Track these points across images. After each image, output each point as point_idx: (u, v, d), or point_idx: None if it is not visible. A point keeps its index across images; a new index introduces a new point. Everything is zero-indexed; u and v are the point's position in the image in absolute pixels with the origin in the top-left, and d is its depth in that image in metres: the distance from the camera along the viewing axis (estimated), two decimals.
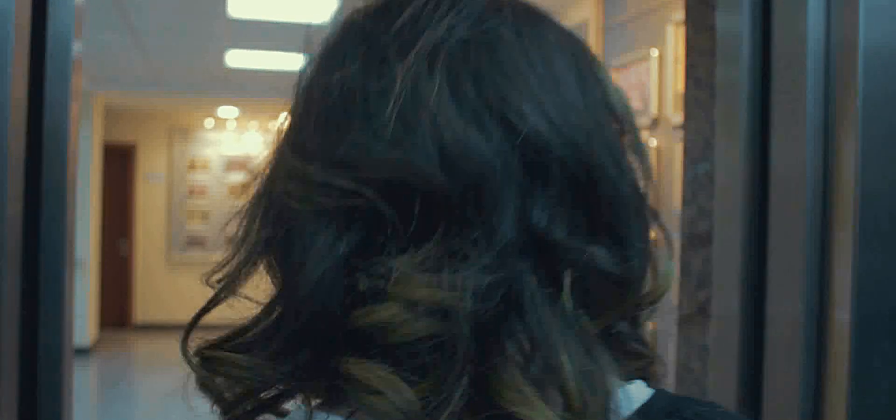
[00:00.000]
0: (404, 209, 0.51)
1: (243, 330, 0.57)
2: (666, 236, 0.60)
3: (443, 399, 0.48)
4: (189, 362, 0.57)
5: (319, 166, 0.52)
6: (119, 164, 11.12)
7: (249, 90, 9.05)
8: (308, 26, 0.63)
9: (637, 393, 0.57)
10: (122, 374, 9.12)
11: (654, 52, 3.06)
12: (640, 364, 0.58)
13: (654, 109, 3.06)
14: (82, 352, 9.28)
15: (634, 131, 0.58)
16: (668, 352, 2.89)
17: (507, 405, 0.48)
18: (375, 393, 0.48)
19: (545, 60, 0.54)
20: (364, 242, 0.51)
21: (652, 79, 3.07)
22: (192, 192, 11.42)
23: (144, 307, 11.25)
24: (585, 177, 0.53)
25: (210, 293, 0.59)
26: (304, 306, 0.52)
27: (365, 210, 0.51)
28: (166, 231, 11.39)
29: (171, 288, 11.28)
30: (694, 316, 1.53)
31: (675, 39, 2.95)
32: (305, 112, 0.57)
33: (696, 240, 1.54)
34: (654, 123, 3.07)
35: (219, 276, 0.60)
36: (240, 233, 0.59)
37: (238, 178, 11.44)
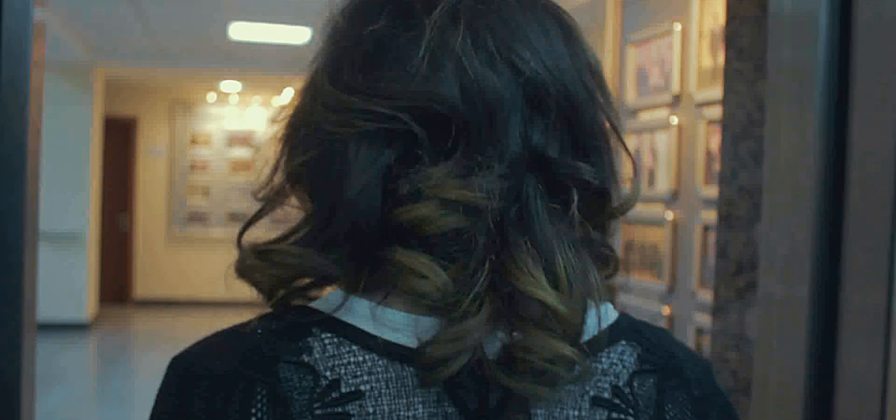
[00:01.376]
0: (433, 131, 0.62)
1: (284, 237, 0.66)
2: (635, 163, 0.77)
3: (469, 280, 0.60)
4: (242, 250, 0.67)
5: (361, 98, 0.63)
6: (120, 138, 11.00)
7: (252, 64, 8.92)
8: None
9: (609, 312, 0.69)
10: (122, 350, 9.03)
11: (677, 27, 2.94)
12: (608, 271, 0.71)
13: (676, 86, 2.94)
14: (81, 327, 9.20)
15: (604, 82, 0.71)
16: (688, 336, 2.79)
17: (519, 285, 0.59)
18: (419, 276, 0.60)
19: (538, 21, 0.67)
20: (401, 156, 0.62)
21: (674, 54, 2.95)
22: (193, 168, 11.31)
23: (145, 283, 11.16)
24: (572, 110, 0.66)
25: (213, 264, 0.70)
26: (353, 207, 0.62)
27: (401, 132, 0.62)
28: (167, 206, 11.28)
29: (171, 264, 11.18)
30: (731, 304, 1.43)
31: (699, 13, 2.83)
32: (340, 56, 0.67)
33: (735, 222, 1.44)
34: (676, 100, 2.95)
35: (263, 193, 0.69)
36: (279, 157, 0.69)
37: (240, 153, 11.34)
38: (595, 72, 0.71)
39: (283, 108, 0.71)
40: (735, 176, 1.49)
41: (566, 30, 0.70)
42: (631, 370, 0.68)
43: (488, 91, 0.63)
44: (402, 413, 0.61)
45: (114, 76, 10.08)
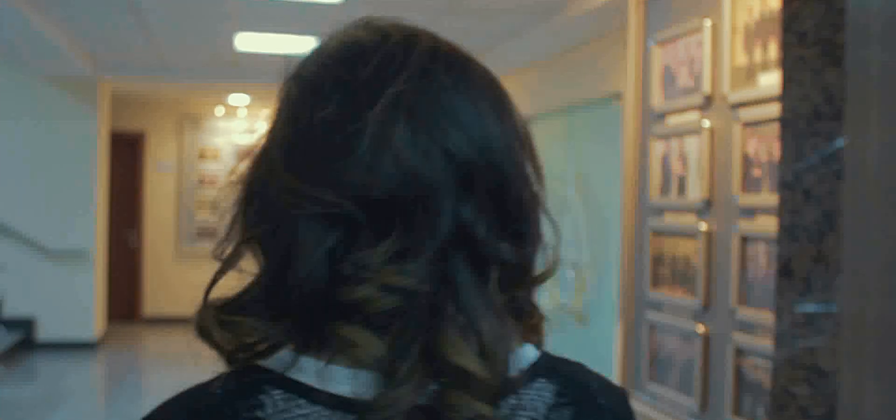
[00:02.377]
0: (373, 215, 0.69)
1: (239, 297, 0.73)
2: (556, 230, 0.82)
3: (405, 351, 0.67)
4: (204, 310, 0.74)
5: (310, 185, 0.70)
6: (127, 153, 10.84)
7: (260, 76, 8.74)
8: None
9: (528, 354, 0.76)
10: (130, 369, 8.85)
11: (707, 23, 2.73)
12: (533, 321, 0.79)
13: (707, 87, 2.73)
14: (89, 346, 9.02)
15: (533, 151, 0.79)
16: (726, 357, 2.57)
17: (446, 355, 0.67)
18: (358, 346, 0.68)
19: (472, 100, 0.74)
20: (344, 238, 0.70)
21: (704, 52, 2.74)
22: (202, 182, 11.15)
23: (154, 300, 10.99)
24: (500, 186, 0.73)
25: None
26: (301, 284, 0.69)
27: (344, 215, 0.70)
28: (176, 222, 11.12)
29: (180, 280, 11.00)
30: (799, 329, 1.23)
31: (732, 7, 2.62)
32: (295, 139, 0.74)
33: (801, 233, 1.24)
34: (708, 102, 2.74)
35: (220, 253, 0.77)
36: (233, 219, 0.76)
37: None
38: (525, 142, 0.78)
39: (240, 163, 0.77)
40: (799, 179, 1.28)
41: (499, 104, 0.76)
42: (548, 404, 0.74)
43: (423, 178, 0.69)
44: None
45: (120, 90, 9.93)
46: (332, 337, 0.69)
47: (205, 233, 11.12)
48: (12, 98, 8.77)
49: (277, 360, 0.72)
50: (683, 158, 2.88)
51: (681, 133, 2.89)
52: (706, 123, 2.73)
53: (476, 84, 0.75)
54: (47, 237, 8.81)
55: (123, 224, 10.82)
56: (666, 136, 2.99)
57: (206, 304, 0.75)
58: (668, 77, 3.00)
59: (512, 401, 0.71)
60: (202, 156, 11.16)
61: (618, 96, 5.53)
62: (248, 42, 7.00)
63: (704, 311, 2.73)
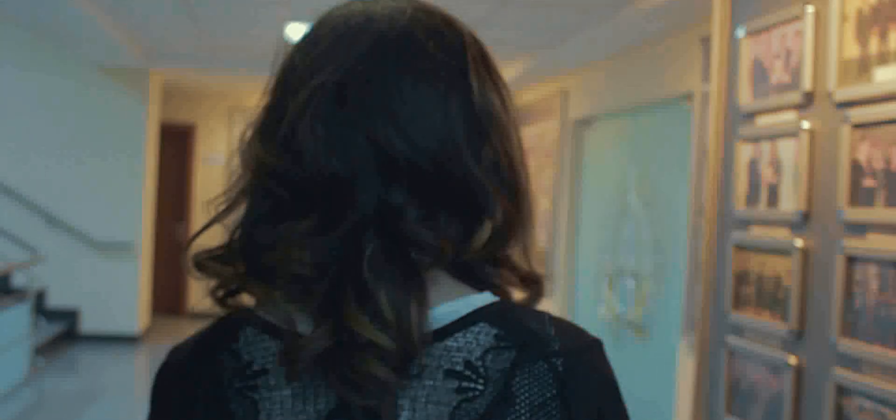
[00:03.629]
0: (295, 193, 0.79)
1: (220, 248, 0.85)
2: (518, 205, 0.84)
3: (309, 313, 0.76)
4: (187, 263, 0.86)
5: (247, 162, 0.83)
6: (177, 145, 10.71)
7: None
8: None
9: (480, 300, 0.81)
10: None
11: (810, 9, 2.38)
12: (534, 286, 0.86)
13: (807, 83, 2.38)
14: (132, 339, 8.87)
15: (490, 121, 0.82)
16: (824, 394, 2.23)
17: (347, 322, 0.74)
18: (270, 303, 0.79)
19: (412, 87, 0.79)
20: (273, 210, 0.80)
21: (806, 43, 2.39)
22: None
23: (199, 294, 10.80)
24: (435, 172, 0.78)
25: None
26: (237, 245, 0.83)
27: (273, 192, 0.80)
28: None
29: None
30: None
31: None
32: (262, 119, 0.86)
33: None
34: (808, 100, 2.39)
35: (218, 202, 0.87)
36: (231, 182, 0.87)
37: None
38: (478, 117, 0.81)
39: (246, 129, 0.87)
40: None
41: (453, 87, 0.81)
42: (485, 347, 0.78)
43: (340, 166, 0.77)
44: (294, 384, 0.78)
45: (171, 81, 9.78)
46: (253, 294, 0.82)
47: (218, 200, 10.92)
48: (62, 87, 8.65)
49: (256, 306, 0.83)
50: (776, 164, 2.54)
51: (774, 135, 2.55)
52: (805, 124, 2.38)
53: (426, 70, 0.80)
54: (93, 228, 8.68)
55: (171, 217, 10.69)
56: (755, 139, 2.64)
57: (191, 251, 0.86)
58: (759, 72, 2.65)
59: (426, 361, 0.77)
60: None
61: (689, 97, 5.17)
62: (299, 32, 6.75)
63: (797, 340, 2.38)
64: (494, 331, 0.78)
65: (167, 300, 10.59)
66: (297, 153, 0.78)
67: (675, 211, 5.40)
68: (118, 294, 8.80)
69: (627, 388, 0.85)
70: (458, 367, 0.77)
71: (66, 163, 8.67)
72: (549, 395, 0.77)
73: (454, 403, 0.76)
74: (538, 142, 7.70)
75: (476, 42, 0.86)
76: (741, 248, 2.68)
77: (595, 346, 0.82)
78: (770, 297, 2.53)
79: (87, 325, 8.76)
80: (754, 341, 2.59)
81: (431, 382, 0.76)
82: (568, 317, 7.03)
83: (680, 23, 5.16)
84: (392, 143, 0.77)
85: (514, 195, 0.83)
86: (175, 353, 0.88)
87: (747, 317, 2.63)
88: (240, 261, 0.82)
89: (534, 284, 0.86)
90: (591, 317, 6.62)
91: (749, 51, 2.69)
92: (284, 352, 0.76)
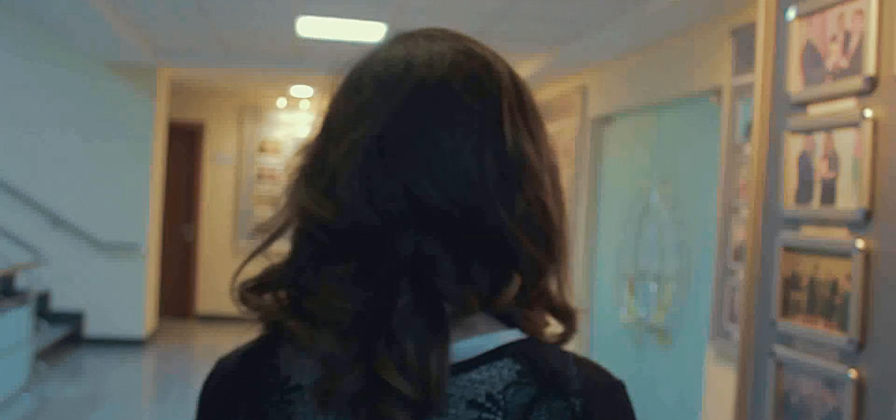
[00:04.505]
0: (336, 239, 0.81)
1: (255, 281, 0.87)
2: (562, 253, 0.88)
3: (343, 354, 0.78)
4: (233, 292, 0.88)
5: (293, 205, 0.86)
6: (186, 143, 10.52)
7: (323, 66, 8.29)
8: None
9: (507, 336, 0.83)
10: (179, 368, 8.46)
11: None
12: (568, 320, 0.89)
13: (870, 67, 2.15)
14: (138, 343, 8.67)
15: (521, 168, 0.83)
16: (894, 410, 2.00)
17: (375, 368, 0.76)
18: (309, 341, 0.80)
19: (449, 139, 0.80)
20: (316, 254, 0.82)
21: (868, 24, 2.16)
22: (261, 177, 10.77)
23: (208, 297, 10.63)
24: (468, 222, 0.80)
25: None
26: (280, 285, 0.85)
27: (316, 237, 0.83)
28: (233, 217, 10.76)
29: None
30: None
31: None
32: (308, 164, 0.86)
33: None
34: (871, 86, 2.16)
35: (263, 229, 0.89)
36: (277, 213, 0.89)
37: None
38: (511, 168, 0.82)
39: (302, 144, 0.89)
40: None
41: (482, 134, 0.82)
42: (507, 381, 0.80)
43: (378, 217, 0.79)
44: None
45: (180, 79, 9.59)
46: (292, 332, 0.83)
47: (263, 230, 10.72)
48: (67, 83, 8.47)
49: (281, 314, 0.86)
50: (832, 158, 2.30)
51: (829, 126, 2.32)
52: (868, 113, 2.15)
53: (461, 123, 0.81)
54: (99, 229, 8.49)
55: (179, 217, 10.50)
56: (807, 131, 2.41)
57: (236, 283, 0.89)
58: (811, 57, 2.42)
59: (451, 391, 0.79)
60: (262, 149, 10.78)
61: (718, 92, 4.94)
62: (310, 27, 6.54)
63: (859, 352, 2.15)
64: (517, 367, 0.81)
65: (175, 303, 10.40)
66: (338, 203, 0.81)
67: (702, 211, 5.17)
68: (124, 297, 8.61)
69: (650, 394, 0.93)
70: (480, 399, 0.80)
71: (71, 162, 8.48)
72: None
73: None
74: (556, 140, 7.47)
75: (515, 86, 0.87)
76: (791, 249, 2.45)
77: (617, 387, 0.84)
78: (825, 304, 2.30)
79: (92, 328, 8.57)
80: (806, 352, 2.36)
81: (454, 411, 0.79)
82: (586, 320, 6.81)
83: (707, 15, 4.92)
84: (428, 195, 0.79)
85: (547, 240, 0.85)
86: (222, 363, 0.93)
87: (798, 325, 2.40)
88: (280, 293, 0.86)
89: (568, 318, 0.89)
90: (612, 321, 6.39)
91: (800, 34, 2.46)
92: (321, 391, 0.79)
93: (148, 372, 8.36)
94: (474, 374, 0.80)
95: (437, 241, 0.79)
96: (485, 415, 0.79)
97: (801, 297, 2.40)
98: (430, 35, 0.88)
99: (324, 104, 0.88)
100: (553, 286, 0.88)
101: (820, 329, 2.30)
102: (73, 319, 8.46)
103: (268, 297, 0.86)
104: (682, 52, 5.44)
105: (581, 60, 6.77)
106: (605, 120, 6.86)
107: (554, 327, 0.89)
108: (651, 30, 5.56)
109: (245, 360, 0.89)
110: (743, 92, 4.45)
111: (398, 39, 0.88)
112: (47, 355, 7.52)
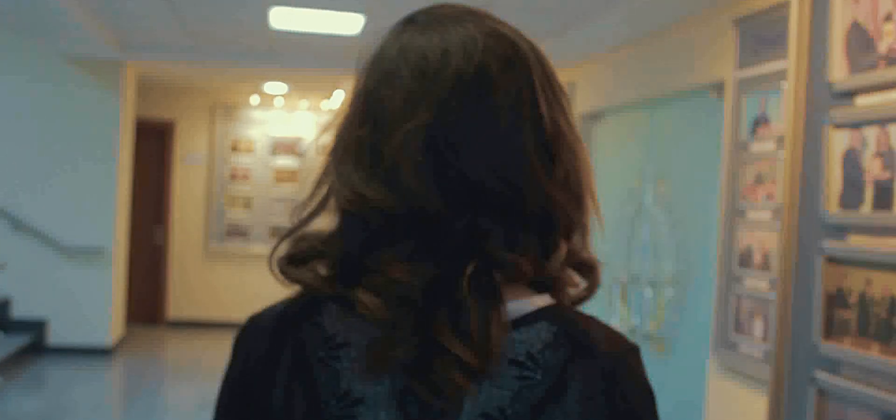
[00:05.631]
0: (394, 222, 0.87)
1: (298, 254, 0.94)
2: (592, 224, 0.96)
3: (401, 323, 0.84)
4: (272, 266, 0.94)
5: (349, 190, 0.89)
6: (155, 143, 10.11)
7: (298, 61, 7.94)
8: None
9: (541, 301, 0.90)
10: (148, 378, 8.06)
11: None
12: (591, 273, 0.95)
13: None
14: (103, 352, 8.26)
15: (560, 144, 0.91)
16: None
17: (436, 336, 0.83)
18: (371, 310, 0.85)
19: (493, 123, 0.87)
20: (373, 235, 0.87)
21: None
22: (234, 177, 10.38)
23: (179, 302, 10.23)
24: (516, 197, 0.87)
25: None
26: (342, 261, 0.90)
27: (373, 221, 0.88)
28: (205, 219, 10.35)
29: (207, 281, 10.25)
30: None
31: None
32: (345, 138, 0.92)
33: None
34: None
35: (301, 215, 0.95)
36: (317, 185, 0.95)
37: (286, 162, 10.37)
38: (549, 141, 0.90)
39: (329, 123, 0.96)
40: None
41: (524, 112, 0.88)
42: (545, 342, 0.86)
43: (437, 199, 0.85)
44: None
45: (148, 75, 9.18)
46: (355, 300, 0.87)
47: (235, 231, 10.34)
48: (27, 79, 8.05)
49: (332, 289, 0.91)
50: (887, 156, 1.99)
51: (883, 119, 2.00)
52: None
53: (502, 106, 0.88)
54: (62, 233, 8.07)
55: (148, 220, 10.08)
56: (855, 124, 2.10)
57: (275, 256, 0.94)
58: (859, 39, 2.10)
59: (512, 335, 0.86)
60: (235, 148, 10.38)
61: (719, 86, 4.63)
62: (284, 19, 6.18)
63: None
64: (553, 329, 0.87)
65: (144, 309, 9.99)
66: (401, 191, 0.86)
67: (702, 213, 4.86)
68: (89, 303, 8.20)
69: None
70: (521, 358, 0.86)
71: (31, 163, 8.06)
72: (596, 390, 0.85)
73: (515, 389, 0.85)
74: None
75: (539, 61, 0.93)
76: (835, 261, 2.13)
77: (636, 350, 0.90)
78: (881, 325, 1.98)
79: (55, 337, 8.15)
80: (856, 380, 2.04)
81: (498, 368, 0.85)
82: None
83: (706, 4, 4.62)
84: (481, 176, 0.86)
85: (580, 201, 0.93)
86: (259, 317, 0.95)
87: (845, 348, 2.08)
88: (320, 267, 0.92)
89: (592, 272, 0.95)
90: None
91: (844, 13, 2.15)
92: (376, 356, 0.85)
93: (115, 382, 7.96)
94: (515, 335, 0.86)
95: (489, 218, 0.86)
96: (525, 372, 0.85)
97: (849, 316, 2.08)
98: (455, 16, 0.92)
99: (352, 87, 0.94)
100: (578, 242, 0.94)
101: (873, 354, 1.99)
102: (35, 328, 8.04)
103: (304, 270, 0.92)
104: (679, 44, 5.13)
105: (569, 54, 6.45)
106: (595, 116, 6.55)
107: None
108: (644, 21, 5.25)
109: (285, 314, 0.92)
110: (748, 86, 4.15)
111: (426, 24, 0.92)
112: (7, 367, 7.11)
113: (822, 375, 2.15)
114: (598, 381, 0.85)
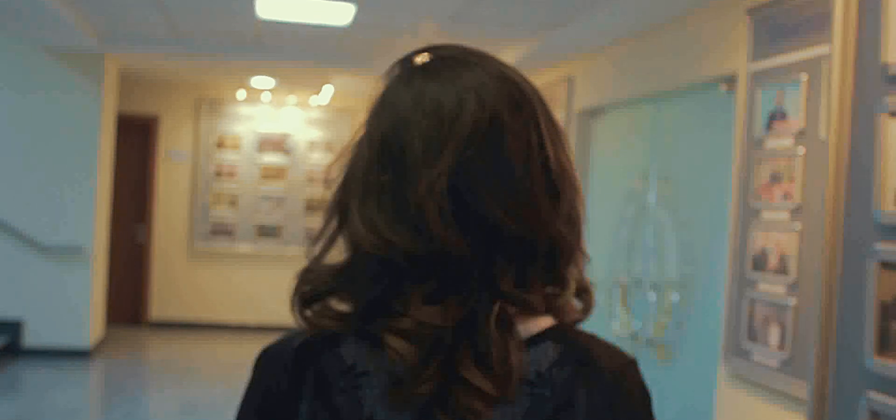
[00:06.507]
0: (417, 265, 0.91)
1: (317, 291, 0.98)
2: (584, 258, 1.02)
3: (426, 363, 0.89)
4: (293, 306, 0.98)
5: (373, 235, 0.93)
6: (138, 138, 9.82)
7: (286, 54, 7.67)
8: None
9: (545, 322, 0.96)
10: (128, 381, 7.77)
11: None
12: (586, 295, 1.01)
13: None
14: (81, 354, 7.97)
15: (565, 175, 0.98)
16: None
17: (459, 371, 0.88)
18: (397, 352, 0.90)
19: (510, 165, 0.92)
20: (396, 277, 0.92)
21: None
22: (219, 174, 10.09)
23: (161, 302, 9.94)
24: (527, 236, 0.93)
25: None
26: (365, 301, 0.94)
27: (395, 263, 0.93)
28: (189, 217, 10.06)
29: (191, 281, 9.97)
30: None
31: None
32: (365, 180, 0.96)
33: None
34: None
35: (314, 251, 0.99)
36: (329, 217, 0.99)
37: (273, 159, 10.09)
38: (555, 180, 0.95)
39: (339, 157, 1.00)
40: None
41: (530, 152, 0.94)
42: (552, 361, 0.92)
43: (459, 243, 0.90)
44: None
45: (131, 69, 8.89)
46: (385, 344, 0.91)
47: (220, 230, 10.05)
48: (2, 71, 7.75)
49: (356, 321, 0.96)
50: None
51: None
52: None
53: (515, 150, 0.93)
54: (39, 230, 7.78)
55: (131, 218, 9.79)
56: None
57: (295, 294, 0.98)
58: None
59: (524, 388, 0.92)
60: (221, 144, 10.09)
61: (728, 81, 4.39)
62: (271, 8, 5.91)
63: None
64: (559, 347, 0.93)
65: (125, 309, 9.70)
66: (426, 235, 0.90)
67: (709, 213, 4.62)
68: (67, 303, 7.90)
69: None
70: (531, 377, 0.92)
71: (7, 157, 7.76)
72: (602, 403, 0.91)
73: (527, 406, 0.91)
74: None
75: (540, 100, 0.99)
76: (891, 266, 1.89)
77: (634, 364, 0.96)
78: None
79: (32, 338, 7.85)
80: None
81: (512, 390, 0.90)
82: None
83: None
84: (498, 219, 0.91)
85: (580, 232, 0.99)
86: (280, 344, 0.99)
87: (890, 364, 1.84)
88: (337, 304, 0.97)
89: (587, 295, 1.02)
90: (602, 334, 5.81)
91: None
92: (400, 393, 0.90)
93: (94, 386, 7.67)
94: (524, 357, 0.92)
95: (504, 257, 0.92)
96: (536, 390, 0.92)
97: None
98: (462, 60, 0.98)
99: (362, 129, 0.99)
100: (575, 269, 1.00)
101: None
102: (10, 329, 7.74)
103: (323, 315, 0.97)
104: (686, 36, 4.88)
105: (569, 47, 6.20)
106: (594, 113, 6.30)
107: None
108: (649, 13, 5.00)
109: (306, 344, 0.97)
110: (763, 78, 3.91)
111: (435, 70, 0.97)
112: None
113: (877, 396, 1.90)
114: (603, 394, 0.92)
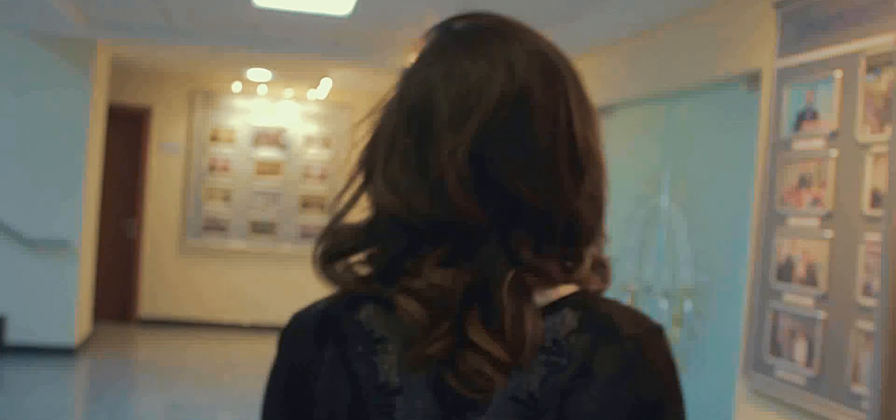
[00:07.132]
0: (435, 229, 0.92)
1: (339, 250, 0.99)
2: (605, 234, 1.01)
3: (436, 323, 0.89)
4: (315, 258, 0.99)
5: (395, 197, 0.93)
6: (129, 130, 9.54)
7: (283, 45, 7.42)
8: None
9: (565, 290, 0.94)
10: (116, 380, 7.51)
11: None
12: (602, 269, 0.98)
13: None
14: (67, 351, 7.70)
15: (590, 151, 0.96)
16: None
17: (470, 334, 0.88)
18: (408, 312, 0.91)
19: (536, 139, 0.92)
20: (414, 239, 0.92)
21: None
22: (213, 168, 9.82)
23: (151, 299, 9.67)
24: (547, 209, 0.93)
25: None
26: (381, 261, 0.96)
27: (414, 225, 0.93)
28: (181, 212, 9.79)
29: (182, 278, 9.70)
30: None
31: None
32: (390, 143, 0.96)
33: None
34: None
35: (337, 207, 1.00)
36: (352, 179, 0.99)
37: (268, 153, 9.83)
38: (580, 157, 0.94)
39: (369, 116, 1.01)
40: None
41: (557, 123, 0.93)
42: (570, 328, 0.90)
43: (479, 211, 0.90)
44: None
45: (123, 58, 8.63)
46: (396, 305, 0.92)
47: (213, 226, 9.78)
48: None
49: (375, 287, 0.97)
50: None
51: None
52: None
53: (541, 126, 0.93)
54: (25, 223, 7.51)
55: (121, 212, 9.52)
56: None
57: (316, 253, 0.99)
58: None
59: (541, 357, 0.90)
60: (215, 138, 9.82)
61: (750, 78, 4.14)
62: None
63: None
64: (578, 315, 0.91)
65: (113, 306, 9.43)
66: (446, 203, 0.90)
67: (728, 217, 4.38)
68: (52, 299, 7.63)
69: None
70: (548, 344, 0.90)
71: None
72: (620, 373, 0.89)
73: (543, 374, 0.89)
74: None
75: (574, 78, 0.98)
76: None
77: (660, 330, 0.93)
78: None
79: (15, 334, 7.58)
80: None
81: (526, 357, 0.89)
82: None
83: None
84: (518, 190, 0.91)
85: (601, 212, 0.98)
86: (303, 315, 1.01)
87: None
88: (358, 266, 0.98)
89: (605, 271, 0.99)
90: None
91: None
92: (413, 355, 0.90)
93: (79, 385, 7.41)
94: (540, 324, 0.90)
95: (523, 227, 0.92)
96: (552, 358, 0.90)
97: None
98: (497, 31, 0.97)
99: (392, 91, 0.99)
100: (595, 247, 0.99)
101: None
102: None
103: (343, 272, 0.98)
104: (704, 31, 4.64)
105: (579, 42, 5.95)
106: (604, 111, 6.06)
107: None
108: (664, 6, 4.76)
109: (327, 312, 0.99)
110: (791, 76, 3.67)
111: (469, 41, 0.96)
112: None
113: None
114: (622, 363, 0.89)
